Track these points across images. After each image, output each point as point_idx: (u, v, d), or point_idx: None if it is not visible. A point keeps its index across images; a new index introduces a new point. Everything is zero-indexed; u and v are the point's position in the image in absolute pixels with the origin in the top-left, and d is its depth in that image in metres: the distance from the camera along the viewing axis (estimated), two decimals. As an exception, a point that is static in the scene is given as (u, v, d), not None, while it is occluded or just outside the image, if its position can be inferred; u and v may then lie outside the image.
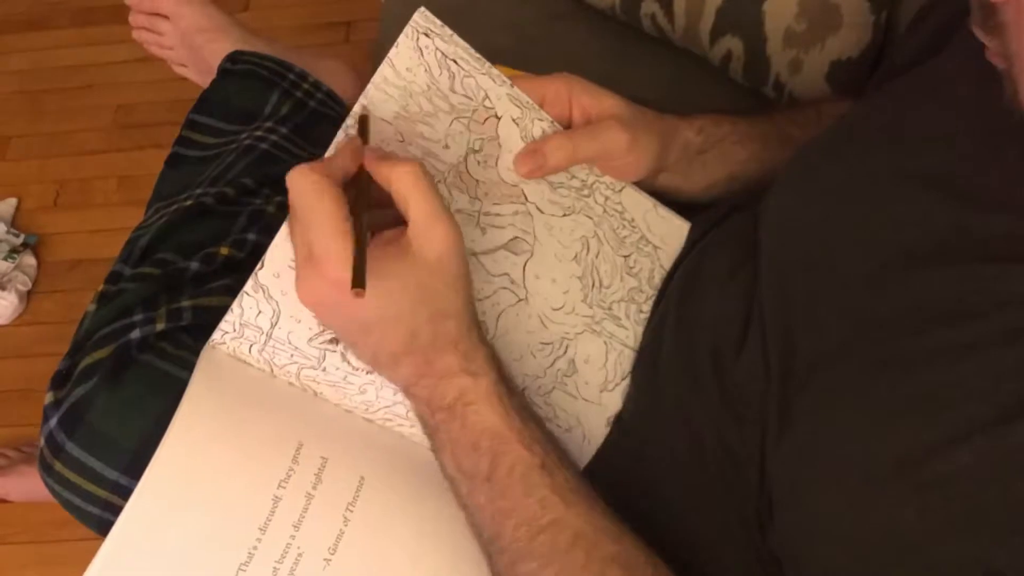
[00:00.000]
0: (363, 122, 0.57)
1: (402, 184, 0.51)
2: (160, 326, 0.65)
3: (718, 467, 0.57)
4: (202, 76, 1.00)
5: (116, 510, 0.61)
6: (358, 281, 0.48)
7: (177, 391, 0.57)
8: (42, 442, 0.63)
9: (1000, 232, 0.47)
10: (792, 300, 0.55)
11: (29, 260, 1.55)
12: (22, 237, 1.56)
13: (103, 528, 0.63)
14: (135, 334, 0.64)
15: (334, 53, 1.14)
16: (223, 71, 0.91)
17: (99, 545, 0.54)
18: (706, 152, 0.68)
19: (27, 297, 1.52)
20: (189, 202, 0.75)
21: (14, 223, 1.60)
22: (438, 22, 0.58)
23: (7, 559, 1.31)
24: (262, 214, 0.75)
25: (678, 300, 0.64)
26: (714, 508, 0.57)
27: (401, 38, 0.57)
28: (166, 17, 1.03)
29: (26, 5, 1.86)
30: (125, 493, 0.60)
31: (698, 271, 0.64)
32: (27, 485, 1.26)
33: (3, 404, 1.43)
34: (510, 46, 0.94)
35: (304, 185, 0.50)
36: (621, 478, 0.61)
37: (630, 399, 0.65)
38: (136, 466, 0.59)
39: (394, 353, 0.53)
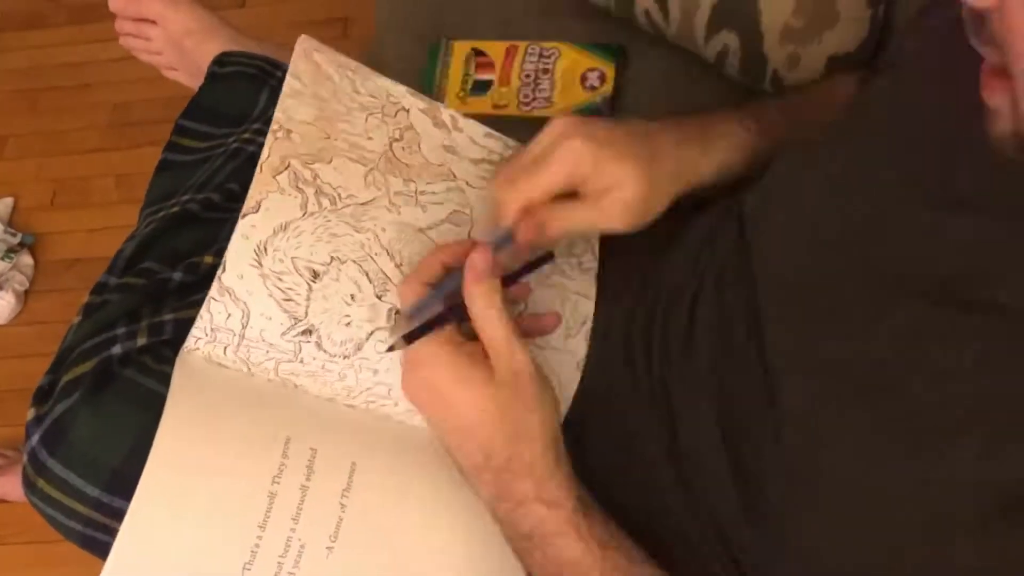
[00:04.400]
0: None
1: (475, 307, 0.55)
2: (142, 340, 0.65)
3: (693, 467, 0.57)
4: (193, 79, 0.99)
5: (98, 526, 0.62)
6: (410, 337, 0.56)
7: (159, 407, 0.58)
8: (25, 459, 0.63)
9: (975, 236, 0.46)
10: (774, 309, 0.54)
11: (26, 260, 1.55)
12: (19, 236, 1.56)
13: (87, 543, 0.63)
14: (116, 349, 0.64)
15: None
16: (211, 75, 0.91)
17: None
18: (722, 178, 0.65)
19: (24, 297, 1.52)
20: (175, 209, 0.75)
21: (11, 222, 1.60)
22: (323, 46, 0.65)
23: (7, 559, 1.31)
24: None
25: (647, 306, 0.63)
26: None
27: (294, 56, 0.63)
28: (153, 22, 1.02)
29: (24, 3, 1.86)
30: (107, 510, 0.61)
31: (684, 278, 0.63)
32: (26, 486, 1.26)
33: (1, 404, 1.43)
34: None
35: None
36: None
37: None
38: (117, 483, 0.60)
39: (476, 466, 0.56)
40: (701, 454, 0.55)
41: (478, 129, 0.68)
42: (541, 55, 0.90)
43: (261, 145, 0.81)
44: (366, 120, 0.64)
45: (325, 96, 0.63)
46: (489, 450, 0.55)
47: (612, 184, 0.58)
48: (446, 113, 0.67)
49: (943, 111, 0.51)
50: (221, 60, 0.91)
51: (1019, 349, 0.43)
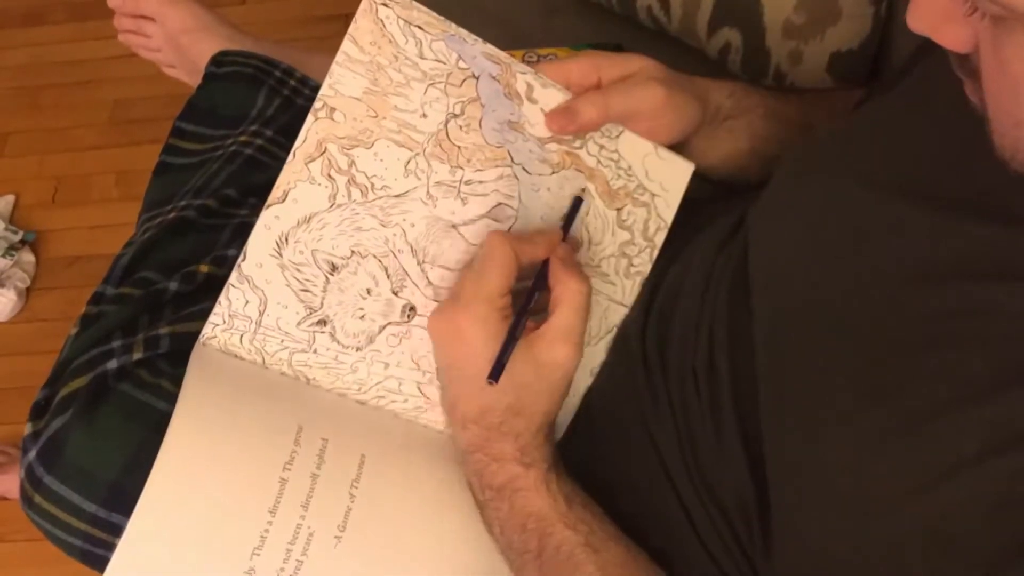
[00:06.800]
0: (574, 206, 0.61)
1: (562, 295, 0.55)
2: (137, 354, 0.65)
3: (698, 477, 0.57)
4: (191, 76, 0.99)
5: (96, 541, 0.62)
6: (495, 373, 0.53)
7: (154, 421, 0.58)
8: (22, 474, 0.63)
9: (981, 243, 0.46)
10: (778, 320, 0.54)
11: (27, 257, 1.55)
12: (20, 234, 1.56)
13: (87, 558, 0.63)
14: (112, 363, 0.64)
15: (332, 47, 1.13)
16: (208, 75, 0.90)
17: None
18: (734, 119, 0.67)
19: (26, 294, 1.52)
20: (172, 216, 0.75)
21: (12, 220, 1.60)
22: None
23: (6, 557, 1.32)
24: (247, 227, 0.74)
25: (660, 311, 0.63)
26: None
27: (359, 13, 0.56)
28: (151, 19, 1.01)
29: (23, 0, 1.86)
30: (104, 525, 0.61)
31: (682, 281, 0.63)
32: (27, 483, 1.26)
33: (2, 402, 1.43)
34: (504, 41, 0.92)
35: (495, 251, 0.55)
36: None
37: (606, 378, 0.65)
38: (114, 498, 0.60)
39: (465, 415, 0.57)
40: (717, 456, 0.56)
41: (558, 99, 0.61)
42: (539, 62, 0.89)
43: (259, 147, 0.82)
44: (425, 92, 0.58)
45: (383, 63, 0.57)
46: (489, 408, 0.55)
47: (637, 68, 0.61)
48: (522, 80, 0.60)
49: (945, 124, 0.51)
50: (218, 60, 0.91)
51: (1019, 350, 0.43)
